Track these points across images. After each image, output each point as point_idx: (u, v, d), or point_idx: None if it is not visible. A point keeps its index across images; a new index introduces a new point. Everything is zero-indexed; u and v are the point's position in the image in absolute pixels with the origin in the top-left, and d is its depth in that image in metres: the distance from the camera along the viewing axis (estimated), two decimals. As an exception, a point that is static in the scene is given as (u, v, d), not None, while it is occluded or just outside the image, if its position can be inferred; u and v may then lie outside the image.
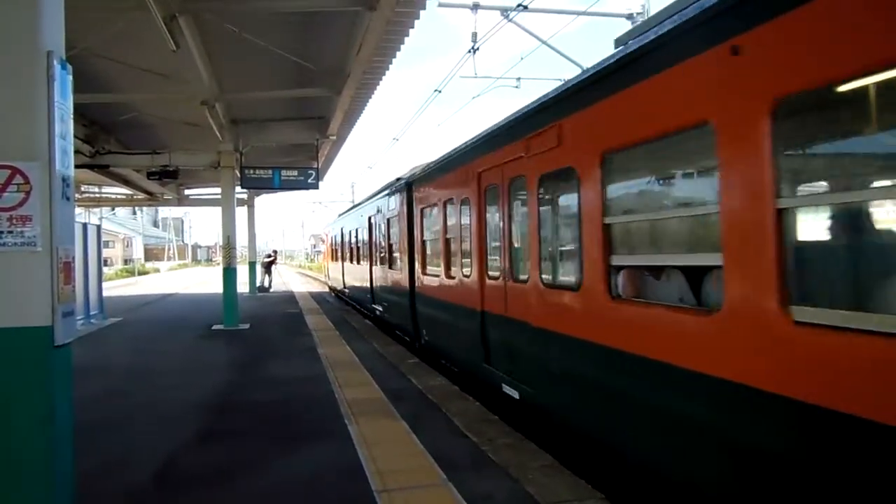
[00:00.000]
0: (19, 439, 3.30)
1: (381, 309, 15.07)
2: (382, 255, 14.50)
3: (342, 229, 23.29)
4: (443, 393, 7.57)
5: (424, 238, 10.38)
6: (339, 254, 24.33)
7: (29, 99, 3.35)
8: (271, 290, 27.71)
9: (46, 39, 3.40)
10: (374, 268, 15.93)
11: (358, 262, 19.07)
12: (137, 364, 10.21)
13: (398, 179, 12.87)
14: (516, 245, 6.71)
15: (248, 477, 4.94)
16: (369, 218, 16.31)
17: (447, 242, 9.00)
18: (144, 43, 9.81)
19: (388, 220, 13.55)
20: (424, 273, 10.37)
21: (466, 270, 8.05)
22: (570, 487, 4.51)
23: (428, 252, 10.41)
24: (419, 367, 9.37)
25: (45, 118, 3.36)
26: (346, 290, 23.05)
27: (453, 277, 8.66)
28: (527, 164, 6.03)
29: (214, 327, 14.66)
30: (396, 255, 12.80)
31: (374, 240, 15.90)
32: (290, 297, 24.31)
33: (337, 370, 9.10)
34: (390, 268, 13.44)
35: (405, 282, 11.51)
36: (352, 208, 22.82)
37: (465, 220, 8.06)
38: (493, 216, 7.20)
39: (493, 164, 7.00)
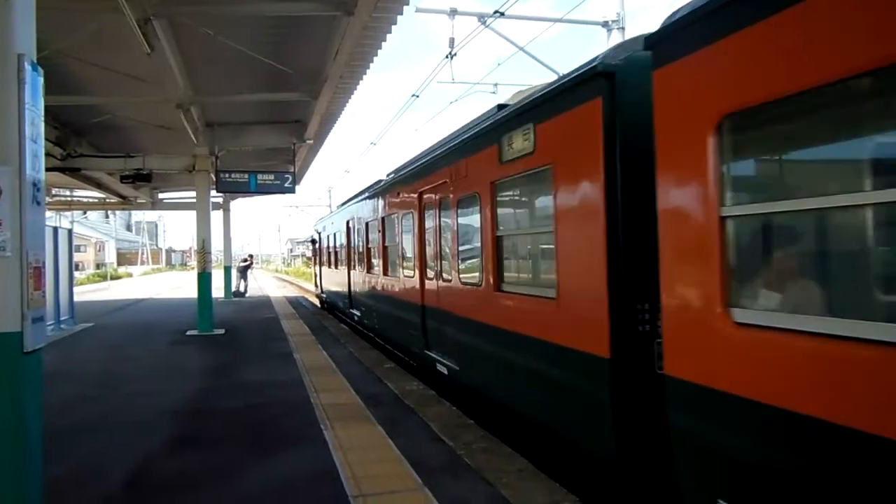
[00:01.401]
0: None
1: (452, 366, 7.68)
2: (448, 262, 7.90)
3: (349, 223, 16.18)
4: (419, 398, 7.58)
5: (728, 212, 3.09)
6: (344, 257, 17.12)
7: (-1, 102, 3.31)
8: (247, 295, 27.44)
9: (17, 42, 3.37)
10: (429, 284, 8.82)
11: (385, 273, 11.88)
12: (108, 370, 10.04)
13: (500, 107, 6.86)
14: None
15: (222, 484, 4.90)
16: (420, 195, 9.09)
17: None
18: (118, 45, 9.67)
19: (495, 186, 6.31)
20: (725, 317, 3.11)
21: None
22: (545, 491, 4.56)
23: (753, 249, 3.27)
24: (395, 371, 9.37)
25: (15, 122, 3.33)
26: (356, 314, 15.55)
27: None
28: None
29: (188, 333, 14.46)
30: (518, 264, 6.46)
31: (428, 236, 8.91)
32: (266, 302, 24.09)
33: (313, 375, 9.06)
34: (499, 289, 6.28)
35: (577, 332, 4.76)
36: (369, 189, 14.05)
37: None
38: None
39: None
